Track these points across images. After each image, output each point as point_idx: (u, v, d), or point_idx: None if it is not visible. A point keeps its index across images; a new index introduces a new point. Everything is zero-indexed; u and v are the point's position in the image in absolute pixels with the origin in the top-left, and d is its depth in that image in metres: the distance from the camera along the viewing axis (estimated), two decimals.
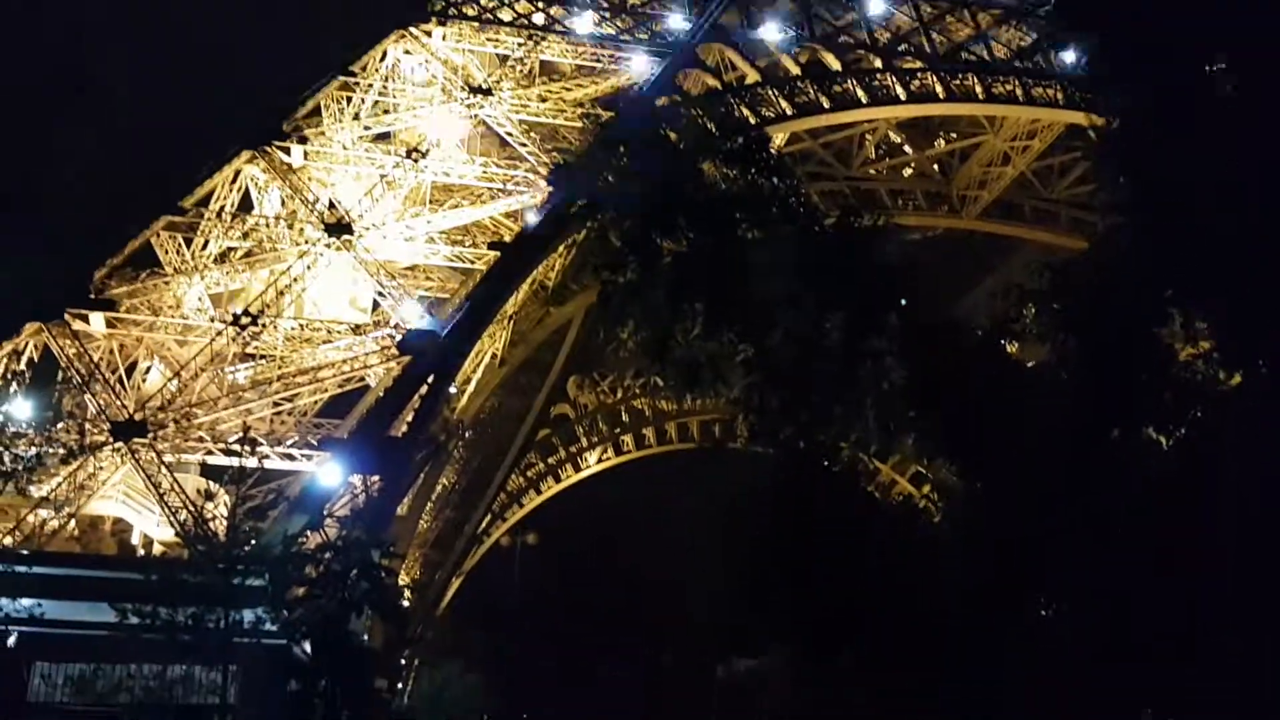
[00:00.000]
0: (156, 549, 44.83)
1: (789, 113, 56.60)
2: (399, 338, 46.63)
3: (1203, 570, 9.13)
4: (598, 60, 58.77)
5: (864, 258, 10.24)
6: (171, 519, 41.20)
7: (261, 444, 43.81)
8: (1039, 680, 9.58)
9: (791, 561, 9.07)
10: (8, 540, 39.60)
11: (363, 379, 48.80)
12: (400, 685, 53.76)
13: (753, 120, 52.43)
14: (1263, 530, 9.12)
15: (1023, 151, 66.94)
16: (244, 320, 46.78)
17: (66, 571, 36.10)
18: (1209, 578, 9.16)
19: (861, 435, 10.65)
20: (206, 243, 51.25)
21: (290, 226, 50.90)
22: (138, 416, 43.66)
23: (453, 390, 50.80)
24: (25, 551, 37.68)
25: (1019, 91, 60.13)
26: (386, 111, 56.32)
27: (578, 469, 75.34)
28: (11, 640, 31.17)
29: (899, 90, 58.90)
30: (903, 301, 10.22)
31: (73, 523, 42.86)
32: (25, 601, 30.30)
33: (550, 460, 73.93)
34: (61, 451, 40.82)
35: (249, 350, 48.91)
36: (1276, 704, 9.35)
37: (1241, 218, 9.16)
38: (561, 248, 52.02)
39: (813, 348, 9.71)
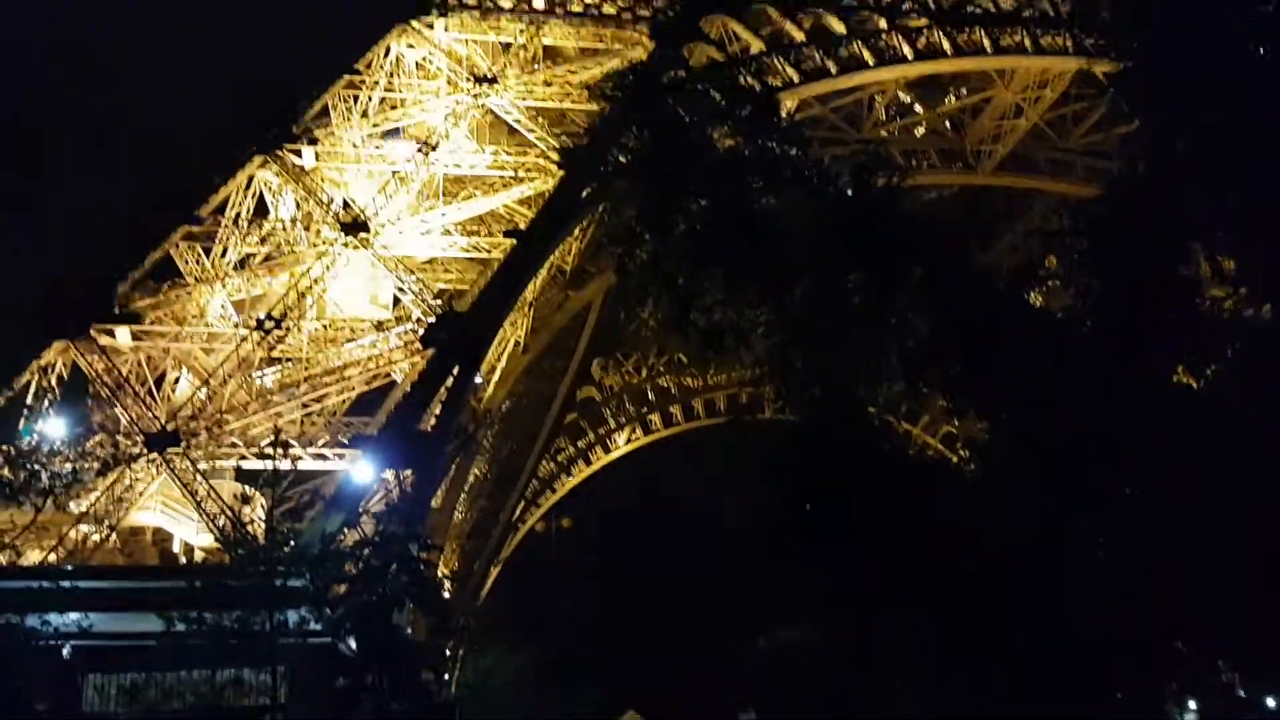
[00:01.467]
0: (198, 556, 45.32)
1: (796, 80, 56.24)
2: (422, 332, 46.79)
3: (1243, 534, 8.99)
4: (600, 41, 58.55)
5: (881, 216, 10.16)
6: (210, 525, 41.61)
7: (294, 446, 44.08)
8: (1078, 649, 9.49)
9: (826, 525, 9.06)
10: (52, 557, 40.12)
11: (389, 375, 49.02)
12: (446, 676, 54.19)
13: (759, 89, 52.01)
14: None
15: (1035, 102, 66.17)
16: (268, 325, 47.08)
17: (111, 584, 36.56)
18: (1248, 541, 9.02)
19: (889, 395, 10.60)
20: (225, 250, 51.54)
21: (307, 228, 51.09)
22: (170, 426, 44.07)
23: (478, 380, 50.96)
24: (70, 567, 38.21)
25: (1028, 42, 59.41)
26: (394, 107, 56.34)
27: (607, 450, 75.49)
28: (65, 653, 31.64)
29: (906, 49, 58.33)
30: (924, 257, 10.14)
31: (114, 535, 43.34)
32: (73, 615, 30.73)
33: (580, 443, 74.06)
34: (97, 466, 41.24)
35: (275, 354, 49.19)
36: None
37: (1260, 147, 9.03)
38: (577, 230, 52.00)
39: (834, 307, 9.68)
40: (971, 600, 9.09)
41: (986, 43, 59.38)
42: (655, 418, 76.79)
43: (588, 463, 74.72)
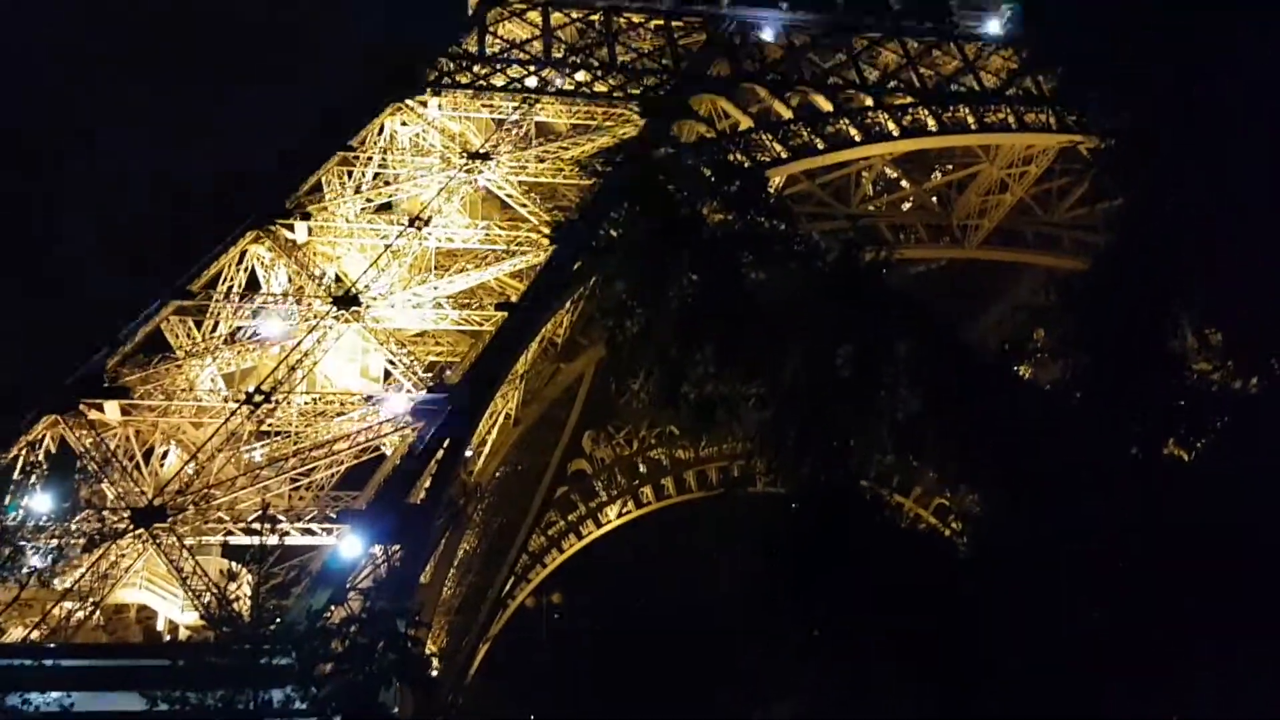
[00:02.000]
0: (182, 633, 44.62)
1: (784, 156, 57.11)
2: (412, 405, 46.70)
3: (1240, 554, 9.00)
4: (592, 118, 59.49)
5: (870, 289, 10.28)
6: (196, 602, 41.01)
7: (281, 521, 43.73)
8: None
9: (821, 596, 9.02)
10: (34, 634, 39.45)
11: (378, 449, 48.80)
12: None
13: (748, 165, 52.76)
14: None
15: (1020, 178, 67.31)
16: (257, 398, 46.93)
17: (94, 662, 35.93)
18: (1247, 560, 9.03)
19: (881, 467, 10.62)
20: (216, 324, 51.60)
21: (298, 302, 51.26)
22: (157, 501, 43.66)
23: (468, 453, 50.77)
24: (53, 645, 37.55)
25: (1011, 119, 60.58)
26: (387, 183, 56.93)
27: (599, 524, 75.08)
28: None
29: (891, 126, 59.38)
30: (912, 331, 10.24)
31: (98, 613, 42.70)
32: (55, 694, 30.16)
33: (570, 517, 73.67)
34: (83, 542, 40.76)
35: (264, 428, 48.98)
36: None
37: (1240, 219, 9.19)
38: (568, 303, 52.30)
39: (825, 381, 9.73)
40: (967, 625, 9.05)
41: (971, 120, 60.54)
42: (647, 490, 76.56)
43: (579, 536, 74.27)
